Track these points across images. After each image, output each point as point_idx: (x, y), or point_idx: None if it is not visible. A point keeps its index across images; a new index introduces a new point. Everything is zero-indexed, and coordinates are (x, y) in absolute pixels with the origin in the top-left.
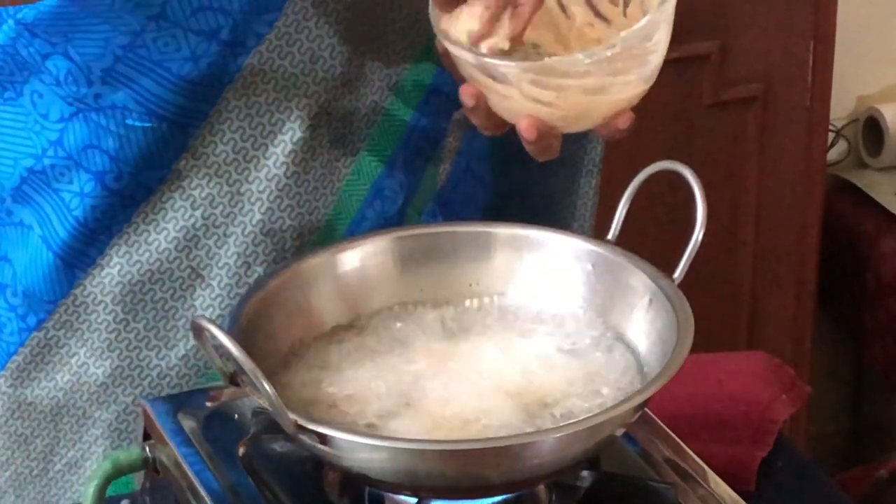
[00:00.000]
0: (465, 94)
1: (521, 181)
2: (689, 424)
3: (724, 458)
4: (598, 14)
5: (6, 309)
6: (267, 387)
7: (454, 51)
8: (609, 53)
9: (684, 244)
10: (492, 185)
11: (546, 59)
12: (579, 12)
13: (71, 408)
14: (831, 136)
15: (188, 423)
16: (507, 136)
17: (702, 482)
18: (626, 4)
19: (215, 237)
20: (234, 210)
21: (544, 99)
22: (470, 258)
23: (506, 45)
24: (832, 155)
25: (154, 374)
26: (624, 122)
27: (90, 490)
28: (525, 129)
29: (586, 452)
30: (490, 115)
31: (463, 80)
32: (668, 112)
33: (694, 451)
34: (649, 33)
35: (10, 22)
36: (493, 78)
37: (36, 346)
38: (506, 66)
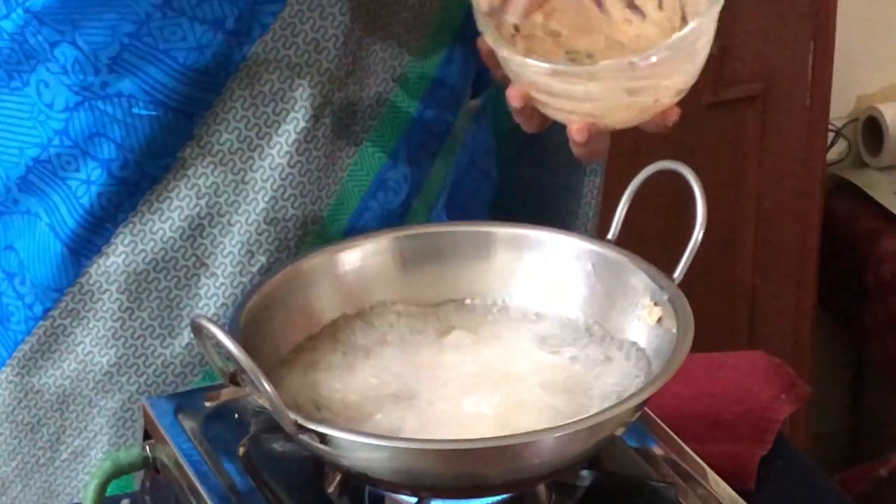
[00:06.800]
0: (513, 96)
1: (526, 180)
2: (688, 424)
3: (723, 458)
4: (632, 6)
5: (14, 297)
6: (267, 386)
7: (512, 59)
8: (654, 59)
9: (684, 244)
10: (497, 180)
11: (599, 64)
12: (614, 8)
13: (77, 396)
14: (831, 135)
15: (188, 423)
16: (512, 132)
17: (702, 481)
18: None
19: (219, 226)
20: (239, 199)
21: (592, 109)
22: (470, 258)
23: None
24: (832, 154)
25: (158, 362)
26: (672, 117)
27: (90, 489)
28: (576, 132)
29: (586, 452)
30: (534, 115)
31: (504, 79)
32: None
33: (694, 451)
34: (696, 38)
35: (19, 10)
36: (547, 86)
37: (42, 335)
38: (555, 69)
